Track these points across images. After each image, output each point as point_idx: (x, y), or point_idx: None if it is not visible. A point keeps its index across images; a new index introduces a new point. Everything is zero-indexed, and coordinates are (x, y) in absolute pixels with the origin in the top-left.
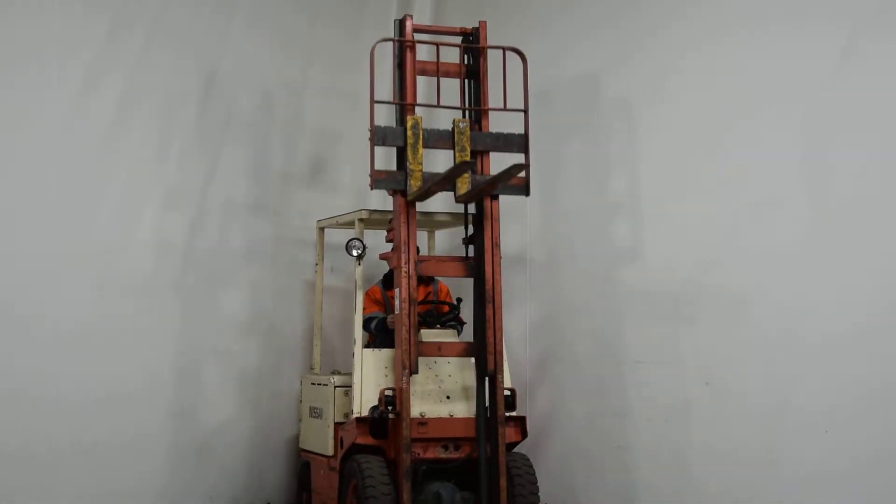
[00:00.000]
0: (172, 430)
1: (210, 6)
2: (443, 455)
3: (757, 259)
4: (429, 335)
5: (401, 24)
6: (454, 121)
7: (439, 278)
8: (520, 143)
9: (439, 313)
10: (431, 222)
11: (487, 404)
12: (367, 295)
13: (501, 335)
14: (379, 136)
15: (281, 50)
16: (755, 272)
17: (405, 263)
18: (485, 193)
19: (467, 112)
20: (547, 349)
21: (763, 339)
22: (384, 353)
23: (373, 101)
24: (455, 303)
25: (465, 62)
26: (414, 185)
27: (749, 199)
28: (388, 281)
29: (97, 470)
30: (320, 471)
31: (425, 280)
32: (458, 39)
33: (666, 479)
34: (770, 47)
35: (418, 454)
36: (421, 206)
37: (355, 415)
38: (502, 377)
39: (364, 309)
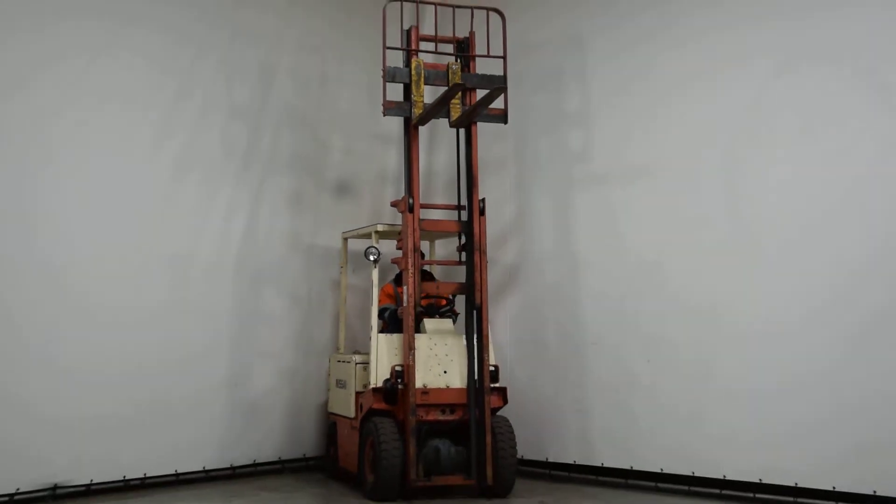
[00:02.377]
0: (228, 397)
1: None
2: (441, 417)
3: (686, 264)
4: (430, 323)
5: None
6: (448, 63)
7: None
8: (500, 80)
9: (438, 306)
10: (433, 234)
11: (477, 377)
12: (382, 290)
13: (486, 276)
14: (390, 75)
15: (315, 107)
16: (684, 276)
17: (412, 266)
18: (474, 115)
19: (459, 59)
20: (523, 334)
21: (691, 326)
22: (395, 337)
23: (385, 48)
24: (451, 298)
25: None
26: (417, 112)
27: (682, 219)
28: (399, 279)
29: (169, 426)
30: (344, 429)
31: (427, 279)
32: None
33: (616, 435)
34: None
35: (422, 416)
36: (423, 216)
37: (372, 385)
38: (487, 310)
39: (379, 301)
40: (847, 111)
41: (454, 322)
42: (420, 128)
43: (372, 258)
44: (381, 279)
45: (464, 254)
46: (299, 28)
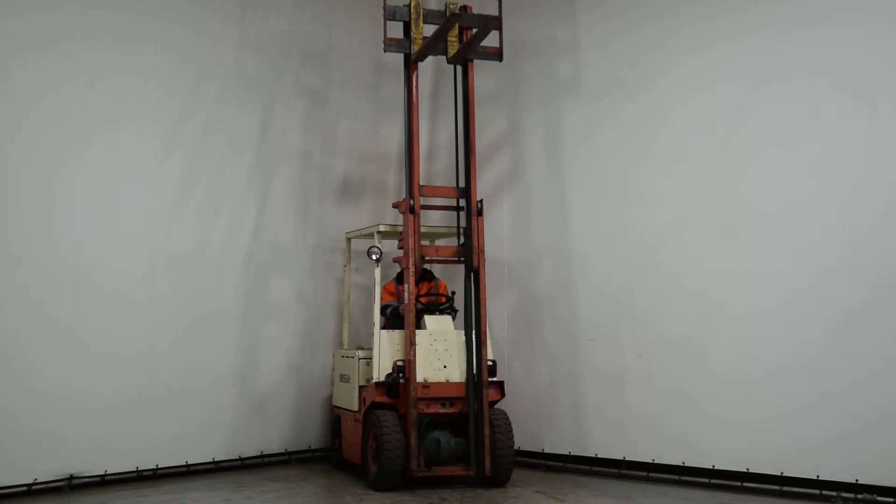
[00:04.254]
0: (237, 390)
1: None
2: (441, 410)
3: (675, 263)
4: (430, 320)
5: None
6: (446, 3)
7: (438, 277)
8: (495, 20)
9: (438, 303)
10: (433, 234)
11: (475, 371)
12: (384, 288)
13: (483, 239)
14: (390, 13)
15: (317, 116)
16: (675, 274)
17: (412, 264)
18: (469, 50)
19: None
20: (520, 331)
21: (680, 323)
22: (397, 334)
23: None
24: (450, 295)
25: None
26: (416, 48)
27: (669, 217)
28: (401, 277)
29: (180, 418)
30: (348, 422)
31: (428, 277)
32: None
33: (610, 427)
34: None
35: (422, 409)
36: (424, 221)
37: (375, 380)
38: (484, 275)
39: (381, 299)
40: (831, 116)
41: (454, 319)
42: (425, 69)
43: (374, 257)
44: (382, 278)
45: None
46: (304, 35)
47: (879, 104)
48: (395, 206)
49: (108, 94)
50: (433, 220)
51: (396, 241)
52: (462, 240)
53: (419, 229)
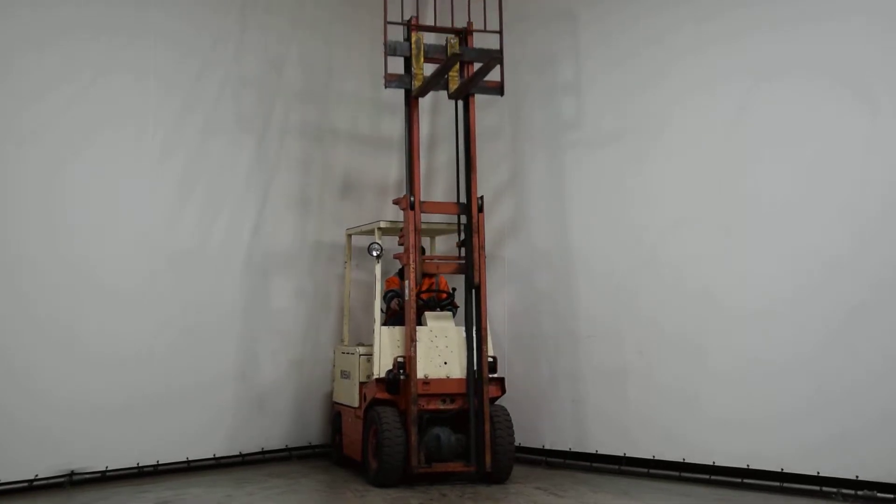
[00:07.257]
0: (237, 387)
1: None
2: (441, 406)
3: (675, 261)
4: (431, 316)
5: None
6: (447, 38)
7: (440, 273)
8: (496, 54)
9: (439, 300)
10: (433, 230)
11: (476, 367)
12: (387, 282)
13: (485, 257)
14: (391, 48)
15: (318, 113)
16: (675, 272)
17: (413, 261)
18: (471, 86)
19: (457, 36)
20: (521, 327)
21: (681, 321)
22: (397, 330)
23: (386, 22)
24: (451, 291)
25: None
26: (417, 84)
27: (670, 216)
28: (402, 273)
29: (181, 415)
30: (349, 418)
31: (429, 274)
32: None
33: (610, 423)
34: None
35: (423, 406)
36: (424, 218)
37: (375, 376)
38: (485, 290)
39: (385, 288)
40: (831, 116)
41: (454, 315)
42: (422, 101)
43: (375, 254)
44: (382, 274)
45: (463, 249)
46: (305, 30)
47: (879, 104)
48: (396, 202)
49: (108, 94)
50: (434, 217)
51: (397, 238)
52: (462, 236)
53: (420, 226)
